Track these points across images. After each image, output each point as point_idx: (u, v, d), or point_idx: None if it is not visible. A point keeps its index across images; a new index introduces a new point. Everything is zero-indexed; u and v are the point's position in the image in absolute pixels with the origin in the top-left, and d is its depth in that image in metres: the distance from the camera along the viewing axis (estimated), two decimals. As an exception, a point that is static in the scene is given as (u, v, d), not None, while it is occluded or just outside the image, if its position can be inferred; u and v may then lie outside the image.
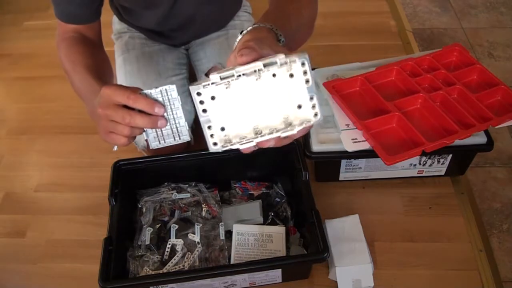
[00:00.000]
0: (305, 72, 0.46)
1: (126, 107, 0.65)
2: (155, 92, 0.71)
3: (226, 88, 0.46)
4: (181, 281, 0.77)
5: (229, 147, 0.46)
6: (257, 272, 0.79)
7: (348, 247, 0.88)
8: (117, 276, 0.78)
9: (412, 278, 0.89)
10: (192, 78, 1.14)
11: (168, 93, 0.71)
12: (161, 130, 0.74)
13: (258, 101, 0.46)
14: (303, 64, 0.45)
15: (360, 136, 0.89)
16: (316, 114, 0.46)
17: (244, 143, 0.46)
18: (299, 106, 0.46)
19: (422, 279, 0.88)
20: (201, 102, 0.46)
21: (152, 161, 0.92)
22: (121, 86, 0.66)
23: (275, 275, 0.83)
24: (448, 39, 1.53)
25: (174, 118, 0.74)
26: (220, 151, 0.47)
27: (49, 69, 1.39)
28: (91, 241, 0.97)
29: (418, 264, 0.90)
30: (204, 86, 0.45)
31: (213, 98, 0.46)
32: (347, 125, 0.92)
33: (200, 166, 0.94)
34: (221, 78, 0.45)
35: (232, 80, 0.46)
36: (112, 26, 1.15)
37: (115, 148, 0.71)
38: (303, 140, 0.94)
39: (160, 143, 0.74)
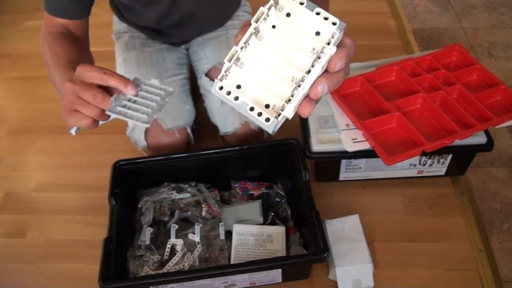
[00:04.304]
0: None
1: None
2: (153, 83, 0.68)
3: (241, 67, 0.44)
4: (181, 281, 0.77)
5: (283, 114, 0.42)
6: (257, 272, 0.79)
7: (348, 247, 0.88)
8: (117, 276, 0.78)
9: (412, 278, 0.89)
10: (193, 78, 1.14)
11: (165, 90, 0.69)
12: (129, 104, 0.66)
13: (277, 57, 0.43)
14: None
15: (360, 136, 0.89)
16: (334, 23, 0.42)
17: (294, 100, 0.41)
18: (317, 33, 0.43)
19: (422, 279, 0.88)
20: (228, 93, 0.43)
21: (152, 161, 0.92)
22: (96, 66, 0.62)
23: (275, 275, 0.83)
24: (448, 39, 1.53)
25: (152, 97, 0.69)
26: (278, 126, 0.43)
27: (49, 69, 1.39)
28: (91, 241, 0.97)
29: (418, 264, 0.90)
30: (220, 78, 0.43)
31: (238, 87, 0.43)
32: (347, 125, 0.92)
33: (200, 166, 0.94)
34: (229, 60, 0.43)
35: (239, 54, 0.43)
36: (112, 26, 1.15)
37: (74, 131, 0.65)
38: (303, 140, 0.94)
39: (120, 113, 0.65)
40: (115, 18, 1.13)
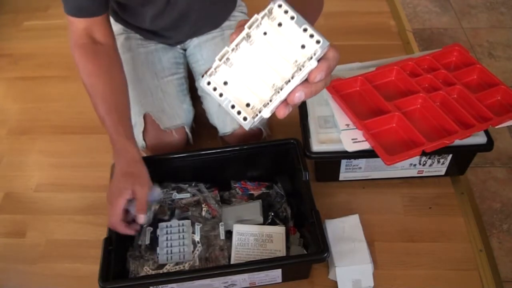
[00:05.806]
0: (286, 12, 0.46)
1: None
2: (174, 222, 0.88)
3: (230, 66, 0.47)
4: (181, 281, 0.77)
5: (260, 115, 0.46)
6: (257, 272, 0.79)
7: (348, 247, 0.88)
8: (117, 276, 0.78)
9: (412, 278, 0.89)
10: (191, 77, 1.14)
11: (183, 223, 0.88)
12: (171, 248, 0.85)
13: (263, 63, 0.47)
14: (279, 6, 0.46)
15: (360, 136, 0.89)
16: (318, 41, 0.45)
17: (271, 105, 0.46)
18: (303, 46, 0.46)
19: (422, 279, 0.88)
20: (215, 89, 0.47)
21: (152, 161, 0.92)
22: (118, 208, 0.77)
23: (275, 275, 0.83)
24: (448, 39, 1.53)
25: (183, 238, 0.86)
26: (254, 124, 0.47)
27: (49, 69, 1.39)
28: (91, 241, 0.97)
29: (418, 264, 0.90)
30: (209, 74, 0.47)
31: (225, 83, 0.47)
32: (347, 125, 0.92)
33: (200, 166, 0.94)
34: (220, 59, 0.46)
35: (230, 55, 0.47)
36: None
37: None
38: (303, 140, 0.94)
39: (167, 260, 0.84)
40: (111, 20, 1.13)
